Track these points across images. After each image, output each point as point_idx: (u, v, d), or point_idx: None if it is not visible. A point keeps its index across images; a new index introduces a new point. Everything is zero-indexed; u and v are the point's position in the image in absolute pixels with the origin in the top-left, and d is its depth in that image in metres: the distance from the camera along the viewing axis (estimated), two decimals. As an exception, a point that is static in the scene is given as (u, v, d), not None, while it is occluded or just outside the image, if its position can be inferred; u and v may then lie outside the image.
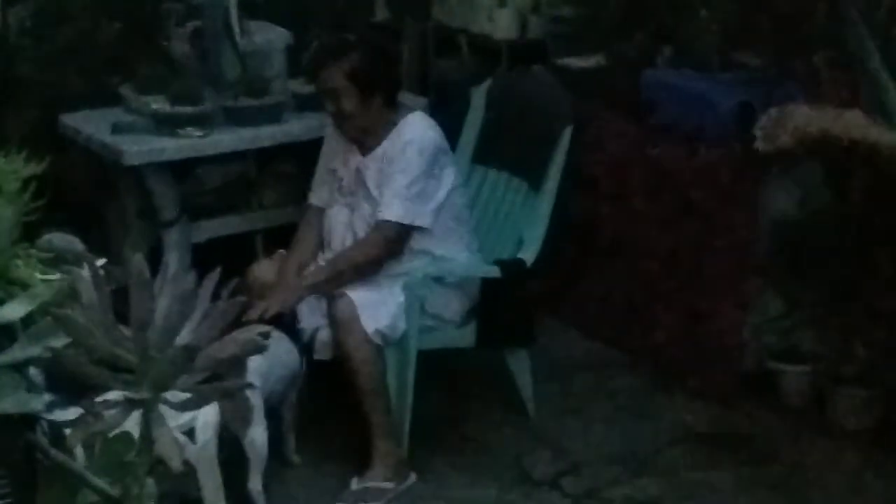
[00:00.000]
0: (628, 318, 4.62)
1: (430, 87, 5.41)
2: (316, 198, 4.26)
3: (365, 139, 4.06)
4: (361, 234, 4.08)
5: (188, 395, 1.67)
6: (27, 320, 1.79)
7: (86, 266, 1.78)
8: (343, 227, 4.13)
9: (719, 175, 4.23)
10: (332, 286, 3.97)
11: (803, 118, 3.42)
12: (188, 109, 4.53)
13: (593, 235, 4.65)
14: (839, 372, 4.18)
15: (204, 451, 3.15)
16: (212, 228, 4.66)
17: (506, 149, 4.43)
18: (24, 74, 5.07)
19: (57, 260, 1.92)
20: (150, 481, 1.76)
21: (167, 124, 4.48)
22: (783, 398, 4.30)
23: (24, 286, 1.78)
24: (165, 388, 1.65)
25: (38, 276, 1.84)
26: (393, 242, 4.00)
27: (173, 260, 4.51)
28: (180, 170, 4.58)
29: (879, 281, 4.04)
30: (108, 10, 5.21)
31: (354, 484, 3.89)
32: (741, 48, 4.44)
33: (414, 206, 3.97)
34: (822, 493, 3.84)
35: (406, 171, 3.96)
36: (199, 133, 4.46)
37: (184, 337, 1.64)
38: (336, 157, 4.19)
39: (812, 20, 4.12)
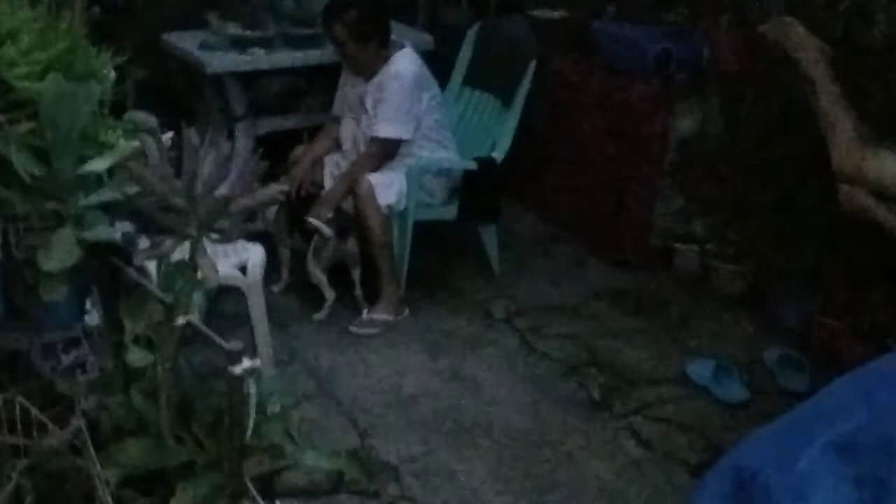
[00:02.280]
0: (570, 204, 4.59)
1: (437, 28, 5.31)
2: (335, 109, 4.23)
3: (364, 72, 4.00)
4: (362, 140, 4.06)
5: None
6: (110, 172, 1.77)
7: (155, 135, 1.77)
8: (350, 134, 4.13)
9: (643, 101, 4.16)
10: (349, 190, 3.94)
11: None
12: (256, 33, 4.46)
13: (548, 142, 4.60)
14: (720, 251, 4.17)
15: (253, 282, 3.16)
16: (270, 124, 4.60)
17: (487, 75, 4.36)
18: (138, 4, 4.99)
19: (136, 130, 1.88)
20: (197, 295, 1.75)
21: (240, 44, 4.41)
22: (679, 269, 4.29)
23: (110, 147, 1.75)
24: (208, 227, 1.64)
25: (122, 141, 1.80)
26: (384, 152, 3.97)
27: (241, 145, 4.48)
28: (248, 79, 4.51)
29: (752, 187, 4.01)
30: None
31: (365, 314, 3.91)
32: (665, 9, 4.34)
33: (399, 124, 3.93)
34: (699, 335, 3.87)
35: (392, 97, 3.91)
36: (262, 52, 4.40)
37: (222, 189, 1.63)
38: (348, 82, 4.14)
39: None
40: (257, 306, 3.16)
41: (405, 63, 3.98)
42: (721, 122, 4.18)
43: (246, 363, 1.60)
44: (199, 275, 1.70)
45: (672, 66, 4.10)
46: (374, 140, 3.97)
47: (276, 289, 4.05)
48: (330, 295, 3.85)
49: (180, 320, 1.68)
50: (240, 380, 1.61)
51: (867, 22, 3.60)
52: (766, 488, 1.21)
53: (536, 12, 4.81)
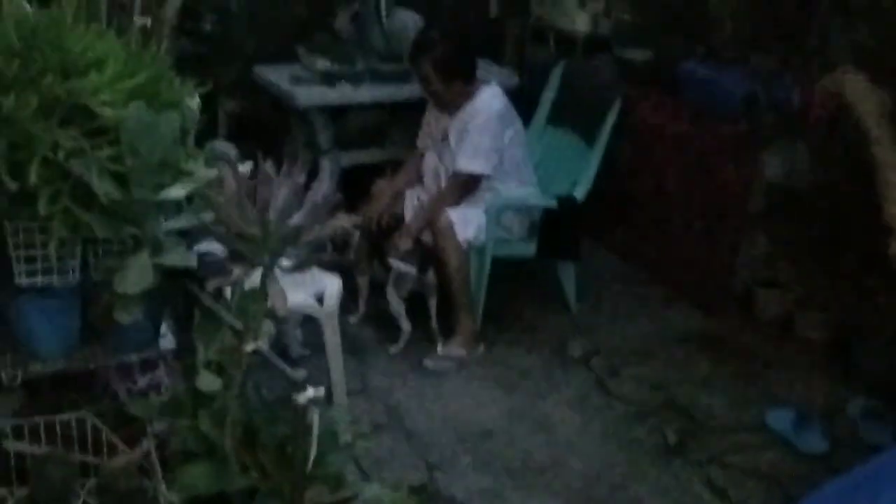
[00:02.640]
0: (651, 245, 4.53)
1: (524, 66, 5.33)
2: (419, 143, 4.25)
3: (449, 107, 4.01)
4: (443, 174, 4.07)
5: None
6: (189, 199, 1.80)
7: (233, 165, 1.79)
8: (433, 168, 4.14)
9: (729, 144, 4.10)
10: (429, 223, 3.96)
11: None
12: (344, 68, 4.53)
13: (632, 182, 4.56)
14: (804, 298, 4.06)
15: (329, 311, 3.18)
16: (355, 157, 4.67)
17: (571, 114, 4.35)
18: (236, 37, 5.12)
19: (216, 159, 1.91)
20: (267, 321, 1.76)
21: (328, 78, 4.49)
22: (762, 315, 4.20)
23: (190, 175, 1.78)
24: (279, 255, 1.66)
25: (202, 169, 1.83)
26: (465, 186, 3.98)
27: (326, 178, 4.54)
28: (335, 113, 4.59)
29: (839, 237, 3.90)
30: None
31: (440, 349, 3.90)
32: (753, 51, 4.27)
33: (481, 159, 3.94)
34: (779, 383, 3.76)
35: (475, 132, 3.92)
36: (350, 86, 4.47)
37: (295, 219, 1.64)
38: (432, 116, 4.17)
39: (808, 34, 3.95)
40: (332, 336, 3.18)
41: (490, 99, 3.99)
42: (809, 167, 4.08)
43: (310, 392, 1.61)
44: (269, 303, 1.72)
45: (759, 110, 4.03)
46: (456, 174, 3.98)
47: (353, 319, 4.07)
48: (406, 327, 3.86)
49: (249, 347, 1.70)
50: (303, 409, 1.61)
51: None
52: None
53: (623, 52, 4.79)
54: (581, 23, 5.02)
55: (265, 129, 4.95)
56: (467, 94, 3.99)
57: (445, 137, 4.06)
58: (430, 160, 4.17)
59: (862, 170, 3.75)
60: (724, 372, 3.83)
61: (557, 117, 4.42)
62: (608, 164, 4.19)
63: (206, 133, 1.97)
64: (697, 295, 4.29)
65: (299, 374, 1.69)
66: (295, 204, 1.64)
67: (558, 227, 4.08)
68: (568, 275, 4.23)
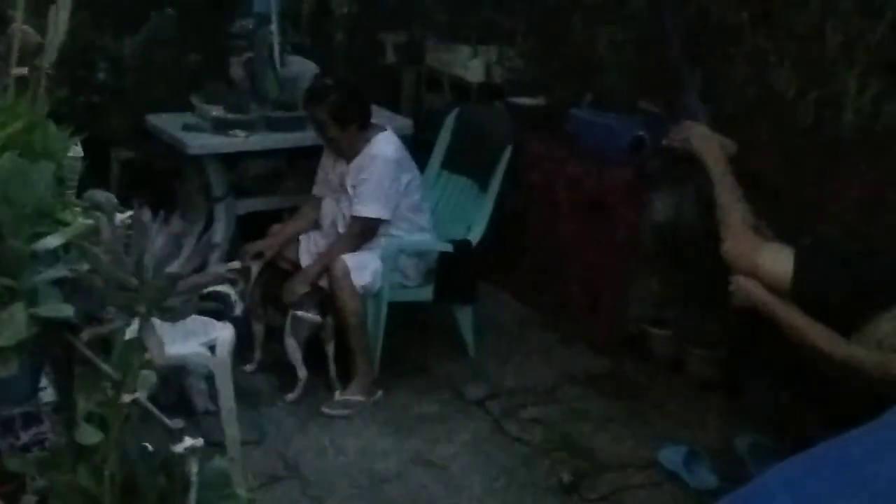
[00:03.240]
0: (546, 287, 4.60)
1: (421, 113, 5.39)
2: (315, 189, 4.27)
3: (345, 153, 4.05)
4: (341, 222, 4.09)
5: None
6: (67, 249, 1.78)
7: (113, 214, 1.78)
8: (331, 213, 4.17)
9: (618, 187, 4.21)
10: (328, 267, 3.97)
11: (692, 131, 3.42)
12: (238, 116, 4.53)
13: (525, 225, 4.63)
14: (694, 336, 4.17)
15: (220, 361, 3.14)
16: (251, 205, 4.65)
17: (464, 159, 4.43)
18: (129, 86, 5.07)
19: (94, 209, 1.89)
20: (148, 372, 1.74)
21: (222, 126, 4.48)
22: (654, 354, 4.29)
23: (66, 225, 1.76)
24: (157, 305, 1.65)
25: (80, 219, 1.81)
26: (364, 231, 4.01)
27: (220, 226, 4.52)
28: (230, 160, 4.57)
29: (725, 277, 4.03)
30: (189, 43, 5.20)
31: (337, 395, 3.89)
32: (640, 97, 4.42)
33: (378, 204, 3.98)
34: (671, 421, 3.84)
35: (372, 178, 3.97)
36: (244, 134, 4.46)
37: (173, 267, 1.63)
38: (329, 163, 4.20)
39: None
40: (224, 386, 3.15)
41: (386, 145, 4.03)
42: (695, 208, 4.21)
43: (187, 442, 1.60)
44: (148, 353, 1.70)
45: (646, 153, 4.16)
46: (355, 219, 4.00)
47: (248, 368, 4.03)
48: (303, 373, 3.84)
49: (126, 398, 1.67)
50: (181, 458, 1.60)
51: (836, 112, 3.67)
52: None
53: (516, 99, 4.90)
54: (474, 71, 5.12)
55: (160, 178, 4.89)
56: (363, 140, 4.02)
57: (343, 184, 4.09)
58: (327, 207, 4.19)
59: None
60: (619, 411, 3.90)
61: (451, 162, 4.48)
62: (502, 208, 4.27)
63: (97, 181, 1.95)
64: (591, 336, 4.36)
65: (177, 423, 1.68)
66: (172, 252, 1.64)
67: (454, 271, 4.13)
68: (465, 318, 4.26)
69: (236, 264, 3.76)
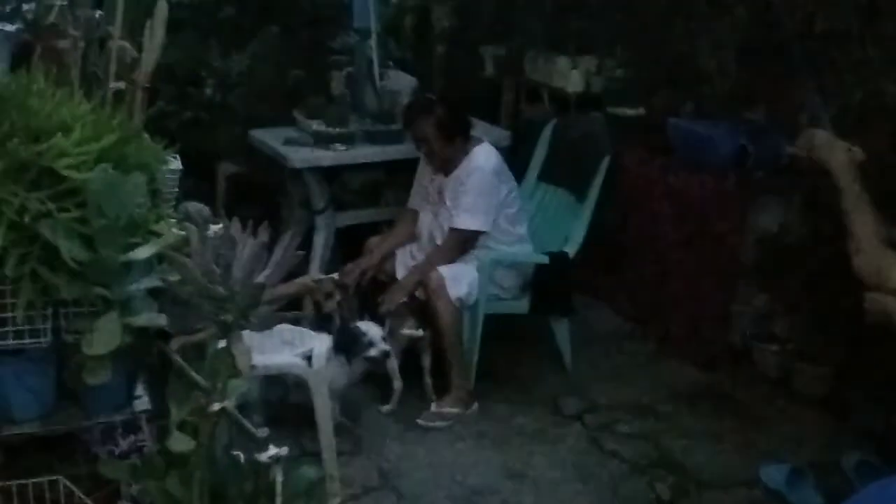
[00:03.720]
0: (645, 300, 4.53)
1: (519, 124, 5.38)
2: (411, 203, 4.30)
3: (445, 166, 4.07)
4: (439, 234, 4.10)
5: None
6: (159, 260, 1.82)
7: (205, 226, 1.81)
8: (428, 226, 4.19)
9: (718, 197, 4.12)
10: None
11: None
12: (338, 130, 4.58)
13: (624, 237, 4.57)
14: (801, 351, 4.04)
15: (316, 372, 3.17)
16: (350, 217, 4.69)
17: (561, 170, 4.40)
18: (234, 101, 5.19)
19: (188, 220, 1.93)
20: (237, 381, 1.77)
21: (322, 140, 4.54)
22: (758, 369, 4.17)
23: (158, 236, 1.80)
24: (244, 315, 1.67)
25: (174, 230, 1.85)
26: (463, 243, 4.01)
27: (321, 238, 4.58)
28: (330, 174, 4.62)
29: (835, 288, 3.89)
30: (292, 59, 5.30)
31: (433, 407, 3.89)
32: (742, 106, 4.31)
33: (477, 216, 3.98)
34: (774, 438, 3.72)
35: (472, 190, 3.98)
36: (344, 147, 4.51)
37: (260, 278, 1.66)
38: (426, 176, 4.22)
39: (796, 91, 3.98)
40: (321, 396, 3.17)
41: (485, 157, 4.04)
42: (802, 220, 4.09)
43: (272, 451, 1.61)
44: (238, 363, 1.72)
45: (749, 163, 4.05)
46: (454, 231, 4.01)
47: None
48: (398, 384, 3.85)
49: (215, 406, 1.70)
50: (266, 467, 1.62)
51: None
52: None
53: (615, 109, 4.84)
54: (573, 82, 5.07)
55: (263, 191, 4.99)
56: (462, 153, 4.03)
57: (441, 196, 4.10)
58: (425, 219, 4.21)
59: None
60: (719, 427, 3.80)
61: (549, 174, 4.46)
62: (600, 220, 4.21)
63: (204, 195, 2.00)
64: (692, 349, 4.27)
65: (263, 432, 1.70)
66: (260, 263, 1.66)
67: (550, 283, 4.10)
68: (561, 331, 4.22)
69: (327, 276, 3.79)
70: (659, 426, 3.82)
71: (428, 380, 3.93)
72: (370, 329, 3.58)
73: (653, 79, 4.82)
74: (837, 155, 3.11)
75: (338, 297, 3.92)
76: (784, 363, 4.10)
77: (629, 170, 4.46)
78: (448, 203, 4.07)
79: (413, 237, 4.25)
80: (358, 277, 4.09)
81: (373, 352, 3.55)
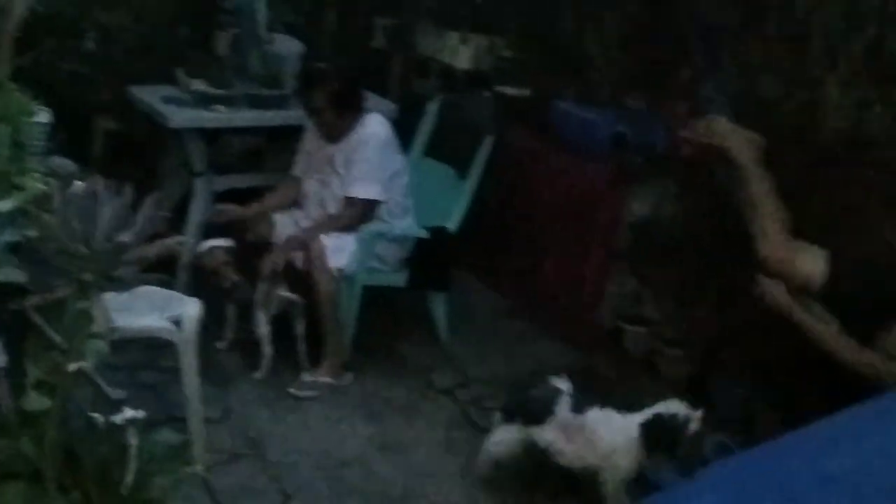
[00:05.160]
0: (522, 278, 4.61)
1: (407, 97, 5.38)
2: (295, 169, 4.26)
3: (333, 136, 4.05)
4: (329, 202, 4.09)
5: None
6: (23, 214, 1.77)
7: (69, 181, 1.77)
8: (314, 196, 4.16)
9: (597, 182, 4.22)
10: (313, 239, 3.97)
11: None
12: (220, 91, 4.51)
13: (504, 215, 4.64)
14: (667, 335, 4.18)
15: (186, 336, 3.13)
16: (230, 181, 4.61)
17: (446, 147, 4.44)
18: (117, 58, 5.06)
19: (54, 175, 1.89)
20: (100, 342, 1.74)
21: (204, 101, 4.46)
22: (627, 351, 4.29)
23: (21, 189, 1.76)
24: (104, 274, 1.65)
25: (35, 184, 1.80)
26: (359, 213, 3.99)
27: (198, 201, 4.50)
28: (210, 136, 4.55)
29: (701, 273, 4.04)
30: (178, 17, 5.19)
31: (306, 376, 3.89)
32: (623, 92, 4.41)
33: (373, 185, 3.98)
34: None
35: (366, 159, 3.97)
36: (226, 110, 4.45)
37: (123, 237, 1.63)
38: (312, 143, 4.18)
39: (676, 79, 4.10)
40: (188, 361, 3.14)
41: (379, 127, 4.05)
42: (675, 207, 4.22)
43: (127, 413, 1.60)
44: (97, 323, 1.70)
45: (627, 150, 4.15)
46: (352, 201, 3.99)
47: (220, 345, 4.03)
48: (268, 351, 3.85)
49: (71, 366, 1.68)
50: (121, 430, 1.60)
51: (818, 119, 3.67)
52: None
53: (502, 88, 4.89)
54: (463, 58, 5.10)
55: (142, 150, 4.88)
56: (354, 122, 4.02)
57: (330, 164, 4.07)
58: (311, 187, 4.17)
59: (727, 211, 3.91)
60: (586, 405, 3.89)
61: (433, 149, 4.49)
62: (482, 198, 4.27)
63: (80, 151, 1.94)
64: (566, 329, 4.37)
65: (118, 394, 1.68)
66: (122, 223, 1.64)
67: (430, 257, 4.13)
68: (439, 306, 4.27)
69: (182, 238, 3.72)
70: (528, 402, 3.89)
71: (301, 347, 3.93)
72: None
73: (540, 61, 4.89)
74: (741, 143, 3.21)
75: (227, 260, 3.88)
76: (650, 345, 4.23)
77: (513, 150, 4.52)
78: (341, 171, 4.05)
79: (292, 204, 4.21)
80: (230, 219, 4.07)
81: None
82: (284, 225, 4.18)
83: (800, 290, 3.10)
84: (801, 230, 3.47)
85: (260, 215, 4.17)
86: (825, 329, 3.05)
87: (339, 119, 4.01)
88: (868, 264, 3.26)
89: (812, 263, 3.07)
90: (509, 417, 3.28)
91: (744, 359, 3.84)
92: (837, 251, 3.26)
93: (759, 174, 3.21)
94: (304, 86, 4.13)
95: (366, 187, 3.98)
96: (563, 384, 3.25)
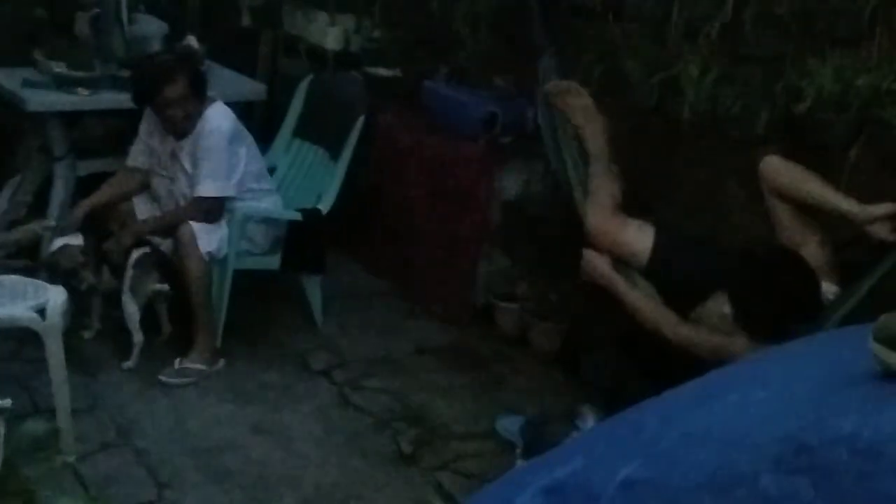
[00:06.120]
0: (396, 259, 4.63)
1: (276, 78, 5.34)
2: (131, 160, 4.11)
3: (179, 130, 3.92)
4: (181, 198, 3.98)
5: None
6: None
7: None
8: (166, 194, 4.05)
9: (469, 162, 4.27)
10: (165, 228, 3.92)
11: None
12: (81, 74, 4.38)
13: (377, 196, 4.65)
14: (539, 310, 4.27)
15: (50, 326, 3.04)
16: (92, 166, 4.48)
17: (316, 128, 4.41)
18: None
19: None
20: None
21: (64, 83, 4.34)
22: (500, 327, 4.37)
23: None
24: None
25: None
26: (211, 211, 3.89)
27: (59, 186, 4.37)
28: (72, 119, 4.42)
29: (569, 254, 4.13)
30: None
31: (177, 364, 3.83)
32: (494, 73, 4.48)
33: (219, 181, 3.88)
34: (514, 393, 3.93)
35: (211, 156, 3.86)
36: (87, 92, 4.32)
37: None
38: (154, 136, 4.03)
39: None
40: (54, 351, 3.05)
41: (219, 119, 3.91)
42: (544, 184, 4.31)
43: (-8, 403, 1.56)
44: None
45: (497, 129, 4.22)
46: (199, 200, 3.88)
47: (87, 335, 3.93)
48: (139, 338, 3.78)
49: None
50: (-15, 420, 1.56)
51: (678, 94, 3.80)
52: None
53: (372, 69, 4.89)
54: (332, 39, 5.08)
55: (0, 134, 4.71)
56: (197, 114, 3.90)
57: (176, 160, 3.97)
58: (160, 186, 4.05)
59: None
60: (462, 383, 3.96)
61: (304, 130, 4.46)
62: (355, 179, 4.27)
63: None
64: (439, 308, 4.42)
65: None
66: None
67: (303, 240, 4.12)
68: (313, 288, 4.26)
69: (51, 222, 3.59)
70: (404, 381, 3.93)
71: (167, 327, 3.90)
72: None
73: (410, 41, 4.91)
74: (594, 122, 3.30)
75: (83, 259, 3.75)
76: (522, 322, 4.32)
77: (384, 130, 4.54)
78: (187, 167, 3.93)
79: (134, 193, 4.09)
80: (85, 214, 3.92)
81: None
82: (143, 210, 4.08)
83: (626, 263, 3.20)
84: (650, 206, 3.62)
85: (114, 204, 4.04)
86: (645, 304, 3.15)
87: (186, 111, 3.86)
88: (697, 241, 3.41)
89: (637, 237, 3.19)
90: (529, 456, 3.29)
91: (609, 331, 3.96)
92: (674, 227, 3.42)
93: (602, 152, 3.33)
94: (150, 86, 3.88)
95: (211, 185, 3.86)
96: (585, 420, 3.29)
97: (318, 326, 4.26)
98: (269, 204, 4.10)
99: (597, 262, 3.28)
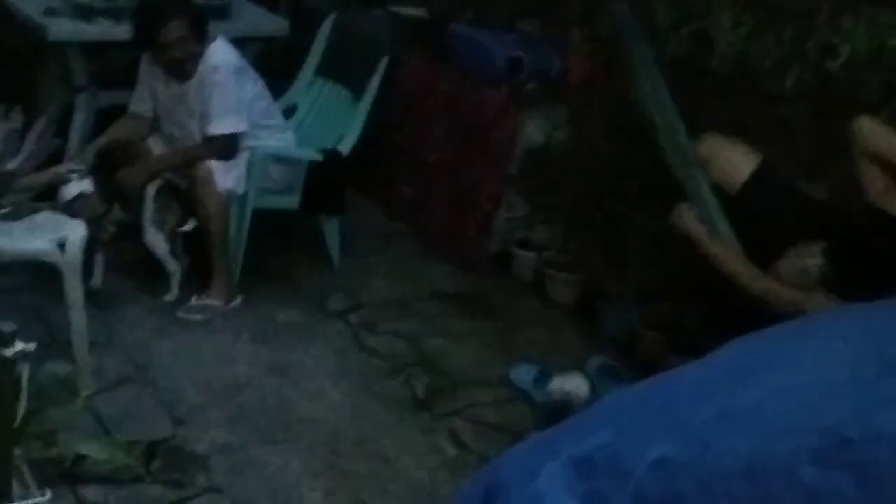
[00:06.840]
0: (415, 202, 4.62)
1: (300, 13, 5.27)
2: (134, 106, 4.06)
3: (183, 73, 3.85)
4: (196, 139, 3.93)
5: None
6: None
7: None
8: (180, 139, 3.99)
9: (491, 107, 4.23)
10: (180, 166, 3.90)
11: None
12: (104, 3, 4.34)
13: (398, 139, 4.62)
14: (556, 260, 4.26)
15: (70, 259, 3.05)
16: (114, 97, 4.46)
17: (340, 66, 4.36)
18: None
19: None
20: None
21: (86, 13, 4.29)
22: (517, 275, 4.36)
23: None
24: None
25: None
26: (226, 148, 3.86)
27: (80, 118, 4.36)
28: (93, 50, 4.38)
29: (589, 199, 4.11)
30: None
31: (194, 300, 3.85)
32: (519, 17, 4.41)
33: (230, 118, 3.83)
34: (528, 341, 3.93)
35: (219, 92, 3.80)
36: (109, 23, 4.28)
37: (11, 165, 1.58)
38: (156, 79, 3.97)
39: (571, 4, 4.11)
40: (73, 285, 3.06)
41: (222, 54, 3.85)
42: (568, 132, 4.27)
43: (18, 346, 1.56)
44: None
45: (522, 75, 4.17)
46: (213, 138, 3.84)
47: (93, 284, 3.87)
48: (173, 267, 3.78)
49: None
50: (11, 363, 1.56)
51: (708, 46, 3.74)
52: (508, 503, 1.24)
53: (398, 8, 4.83)
54: (357, -26, 5.00)
55: (20, 62, 4.67)
56: (200, 52, 3.83)
57: (183, 105, 3.91)
58: (172, 132, 4.01)
59: (614, 139, 3.97)
60: (477, 329, 3.96)
61: (327, 69, 4.42)
62: (376, 120, 4.23)
63: None
64: (456, 253, 4.41)
65: (8, 326, 1.63)
66: (9, 150, 1.58)
67: (322, 180, 4.10)
68: (331, 229, 4.25)
69: (77, 166, 3.54)
70: (420, 326, 3.94)
71: (177, 267, 3.90)
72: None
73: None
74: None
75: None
76: (539, 271, 4.31)
77: (408, 71, 4.49)
78: (196, 108, 3.87)
79: (141, 137, 4.04)
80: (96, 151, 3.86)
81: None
82: (158, 151, 4.05)
83: (723, 181, 3.07)
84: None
85: (126, 146, 3.99)
86: (727, 254, 3.07)
87: (190, 51, 3.79)
88: (796, 188, 3.29)
89: (740, 160, 3.06)
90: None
91: (628, 283, 3.95)
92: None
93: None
94: (158, 22, 3.77)
95: (224, 122, 3.82)
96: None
97: (334, 268, 4.26)
98: (282, 140, 4.06)
99: (686, 216, 3.19)
